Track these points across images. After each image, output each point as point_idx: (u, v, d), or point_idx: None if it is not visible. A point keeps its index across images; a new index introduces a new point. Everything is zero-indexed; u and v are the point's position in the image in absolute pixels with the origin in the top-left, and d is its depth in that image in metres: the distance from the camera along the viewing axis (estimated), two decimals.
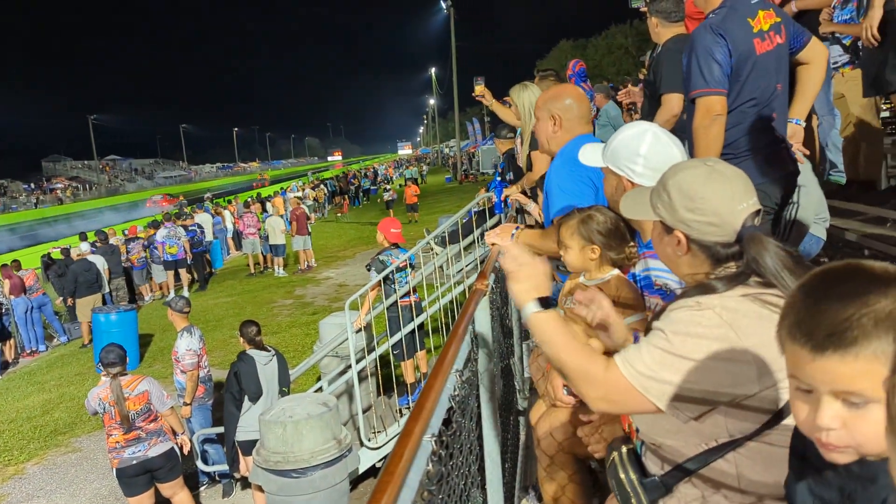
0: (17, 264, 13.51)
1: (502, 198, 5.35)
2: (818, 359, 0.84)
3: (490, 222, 6.77)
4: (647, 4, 4.09)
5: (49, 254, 15.99)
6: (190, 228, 16.35)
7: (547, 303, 1.59)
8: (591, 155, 2.06)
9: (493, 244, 2.93)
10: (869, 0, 3.80)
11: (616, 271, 2.30)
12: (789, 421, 1.37)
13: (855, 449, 0.88)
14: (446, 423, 1.62)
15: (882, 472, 0.88)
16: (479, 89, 5.30)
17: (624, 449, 1.67)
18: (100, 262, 13.58)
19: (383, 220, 7.42)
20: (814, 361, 0.84)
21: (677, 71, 3.16)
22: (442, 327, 7.20)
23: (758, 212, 1.49)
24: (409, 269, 7.03)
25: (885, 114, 5.16)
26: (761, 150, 2.74)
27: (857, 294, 0.82)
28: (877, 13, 3.67)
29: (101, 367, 5.52)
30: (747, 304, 1.37)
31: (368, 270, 7.16)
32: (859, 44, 4.16)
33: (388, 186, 29.28)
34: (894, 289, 0.81)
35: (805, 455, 1.06)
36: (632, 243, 2.25)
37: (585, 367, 1.47)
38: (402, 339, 6.77)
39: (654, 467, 1.57)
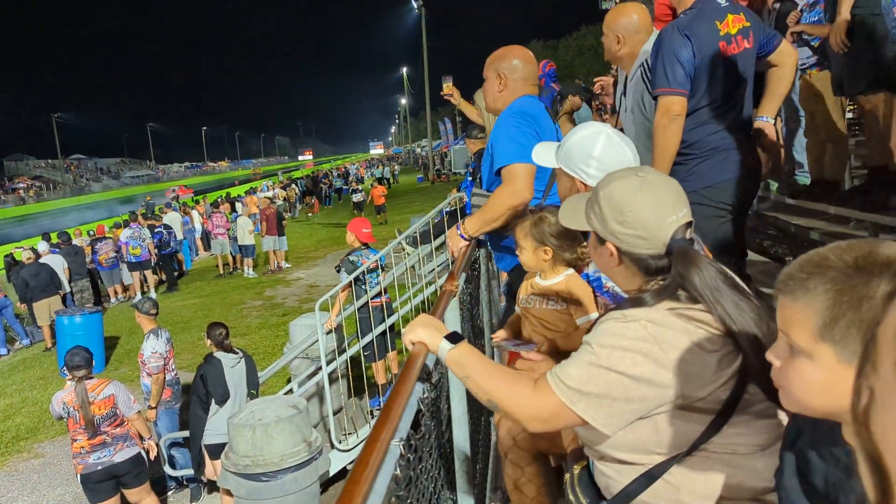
0: None
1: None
2: (778, 299, 0.96)
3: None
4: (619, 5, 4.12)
5: (12, 254, 15.63)
6: (157, 230, 16.07)
7: (456, 337, 1.59)
8: (544, 155, 2.04)
9: (453, 251, 2.93)
10: (836, 5, 3.86)
11: (570, 271, 2.33)
12: (723, 434, 1.39)
13: (793, 398, 0.97)
14: (415, 426, 1.60)
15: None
16: (448, 88, 5.31)
17: (576, 469, 1.66)
18: (58, 262, 13.28)
19: (353, 220, 7.37)
20: (778, 302, 0.97)
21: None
22: None
23: (689, 224, 1.47)
24: (380, 270, 6.99)
25: (850, 115, 5.25)
26: (723, 150, 2.78)
27: (821, 258, 0.91)
28: (843, 19, 3.73)
29: (66, 371, 5.40)
30: (672, 318, 1.37)
31: (338, 271, 7.10)
32: (826, 46, 4.22)
33: (359, 187, 28.56)
34: (850, 264, 0.87)
35: (796, 444, 1.10)
36: (584, 244, 2.25)
37: (513, 389, 1.46)
38: (373, 340, 6.72)
39: (602, 484, 1.56)
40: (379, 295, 6.88)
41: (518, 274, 2.80)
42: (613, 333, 1.38)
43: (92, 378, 5.42)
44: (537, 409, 1.42)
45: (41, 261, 12.98)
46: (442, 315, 1.90)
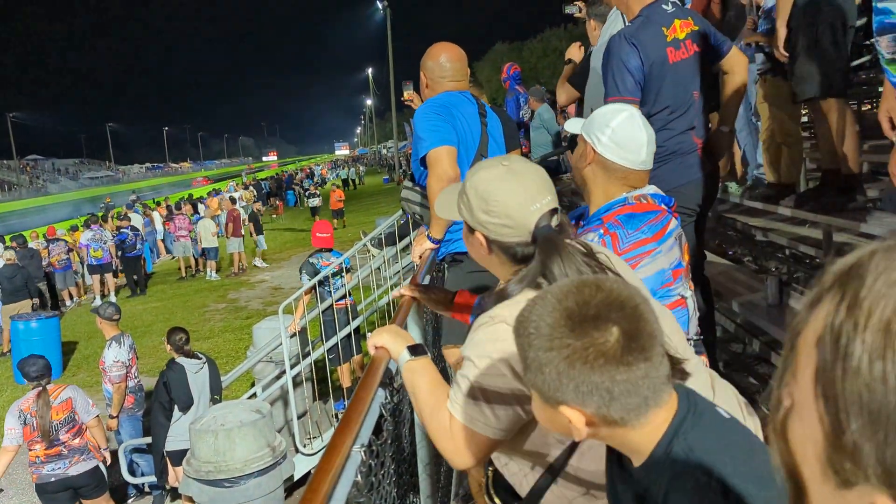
0: None
1: None
2: None
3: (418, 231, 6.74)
4: (587, 7, 4.17)
5: None
6: (122, 231, 15.76)
7: (418, 350, 1.61)
8: (574, 124, 2.09)
9: (417, 258, 2.94)
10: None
11: None
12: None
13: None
14: (377, 431, 1.61)
15: (652, 482, 0.98)
16: (408, 94, 5.30)
17: (490, 470, 1.66)
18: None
19: (315, 225, 7.36)
20: None
21: None
22: None
23: (554, 210, 1.48)
24: (344, 273, 6.95)
25: (805, 119, 5.38)
26: (681, 154, 2.83)
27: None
28: (780, 32, 3.86)
29: (27, 380, 5.26)
30: None
31: (301, 274, 7.05)
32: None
33: (316, 192, 27.09)
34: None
35: (613, 454, 1.13)
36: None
37: (437, 420, 1.47)
38: (337, 343, 6.69)
39: (514, 484, 1.57)
40: (343, 297, 6.85)
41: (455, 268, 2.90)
42: (485, 342, 1.40)
43: (49, 384, 5.30)
44: (455, 442, 1.43)
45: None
46: (403, 321, 1.90)
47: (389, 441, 1.63)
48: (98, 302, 15.08)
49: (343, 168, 51.70)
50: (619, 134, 1.90)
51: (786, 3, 3.78)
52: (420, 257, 2.87)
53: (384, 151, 75.22)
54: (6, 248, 13.50)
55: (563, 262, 1.39)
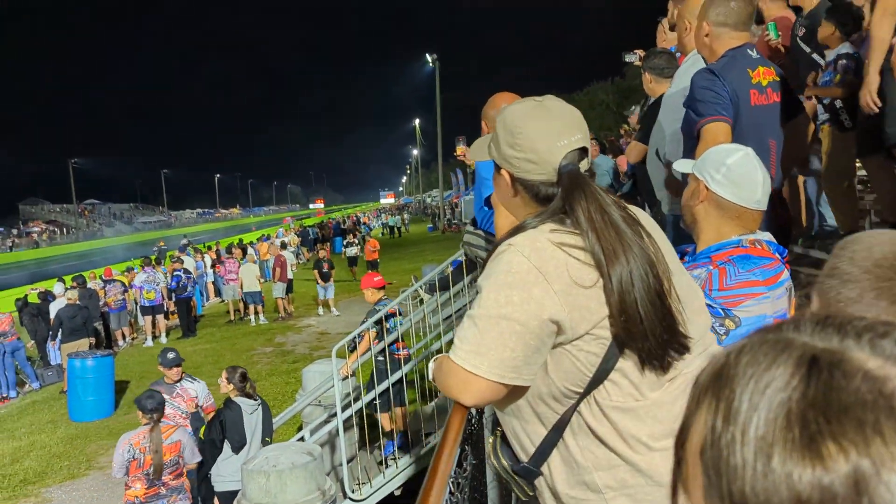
0: None
1: None
2: None
3: (480, 270, 6.72)
4: (642, 60, 4.21)
5: (26, 297, 15.68)
6: (175, 273, 16.16)
7: None
8: (684, 165, 2.08)
9: None
10: (853, 66, 3.94)
11: None
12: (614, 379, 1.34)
13: None
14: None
15: None
16: (461, 150, 5.36)
17: (499, 432, 1.59)
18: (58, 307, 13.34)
19: (363, 278, 7.42)
20: None
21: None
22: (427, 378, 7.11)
23: (584, 151, 1.43)
24: (399, 317, 6.96)
25: (862, 172, 5.28)
26: None
27: None
28: (872, 79, 3.76)
29: (143, 412, 5.31)
30: (552, 248, 1.33)
31: (367, 320, 7.03)
32: (836, 104, 4.29)
33: (354, 240, 25.13)
34: None
35: None
36: None
37: (441, 372, 1.43)
38: (388, 389, 6.67)
39: (517, 447, 1.50)
40: (401, 348, 6.86)
41: None
42: (499, 271, 1.34)
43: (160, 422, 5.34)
44: (457, 388, 1.37)
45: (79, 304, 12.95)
46: None
47: (469, 474, 1.62)
48: (150, 342, 15.39)
49: (390, 216, 52.25)
50: (735, 172, 1.87)
51: (880, 50, 3.71)
52: None
53: (429, 200, 75.94)
54: (68, 288, 13.91)
55: (587, 200, 1.34)
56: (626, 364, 1.34)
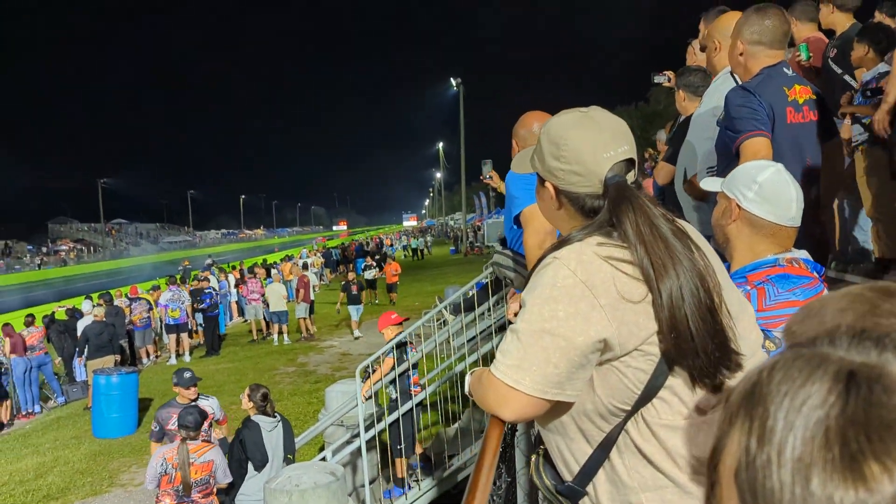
0: (31, 319, 13.54)
1: None
2: None
3: (507, 289, 6.71)
4: (676, 78, 4.19)
5: (53, 314, 15.91)
6: (207, 291, 16.31)
7: None
8: (711, 183, 2.05)
9: (511, 316, 2.92)
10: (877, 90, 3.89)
11: None
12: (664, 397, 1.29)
13: None
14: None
15: None
16: (488, 173, 5.35)
17: (541, 450, 1.54)
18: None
19: (380, 318, 7.40)
20: None
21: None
22: (459, 399, 7.06)
23: (631, 162, 1.40)
24: (415, 350, 6.92)
25: None
26: None
27: None
28: (885, 106, 3.72)
29: (179, 426, 5.33)
30: (599, 261, 1.29)
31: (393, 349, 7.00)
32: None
33: (372, 263, 24.31)
34: None
35: None
36: None
37: (481, 385, 1.41)
38: (401, 433, 6.65)
39: (560, 466, 1.45)
40: (415, 382, 6.84)
41: None
42: (543, 284, 1.30)
43: (196, 440, 5.36)
44: (496, 402, 1.34)
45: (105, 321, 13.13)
46: None
47: (503, 492, 1.59)
48: (173, 360, 15.49)
49: (413, 238, 52.40)
50: (767, 189, 1.83)
51: None
52: (515, 315, 2.85)
53: (451, 223, 76.11)
54: (95, 305, 14.09)
55: (635, 212, 1.31)
56: (676, 381, 1.29)
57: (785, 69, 2.70)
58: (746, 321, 1.40)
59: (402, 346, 6.73)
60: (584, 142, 1.38)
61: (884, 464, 0.40)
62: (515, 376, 1.30)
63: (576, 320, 1.26)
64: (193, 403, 5.78)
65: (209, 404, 6.56)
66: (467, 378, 1.55)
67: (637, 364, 1.29)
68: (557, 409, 1.36)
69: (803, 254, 1.90)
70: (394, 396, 6.76)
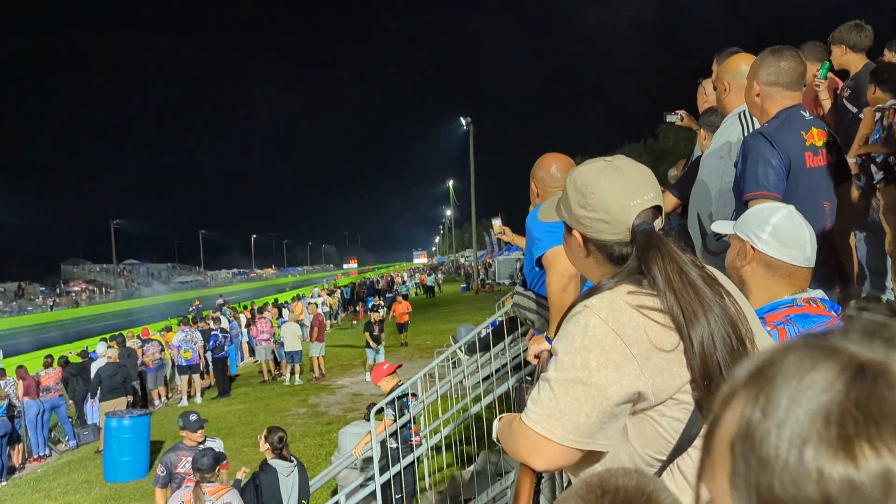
0: (49, 360, 13.59)
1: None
2: None
3: (522, 329, 6.64)
4: (689, 117, 4.21)
5: (66, 356, 15.92)
6: (213, 332, 16.29)
7: None
8: (721, 226, 2.05)
9: (533, 358, 2.90)
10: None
11: None
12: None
13: None
14: None
15: None
16: (499, 227, 5.36)
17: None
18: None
19: (374, 372, 7.35)
20: None
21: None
22: (474, 441, 6.97)
23: (657, 209, 1.40)
24: (414, 401, 6.85)
25: None
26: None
27: None
28: None
29: (193, 469, 5.29)
30: (630, 311, 1.28)
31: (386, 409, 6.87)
32: (890, 160, 4.22)
33: (380, 302, 22.73)
34: None
35: None
36: None
37: (510, 434, 1.41)
38: (413, 484, 6.55)
39: None
40: (414, 433, 6.78)
41: None
42: (575, 334, 1.30)
43: (213, 482, 5.31)
44: (528, 452, 1.34)
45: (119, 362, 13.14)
46: None
47: None
48: (185, 402, 15.43)
49: (426, 275, 52.31)
50: (781, 230, 1.85)
51: None
52: (537, 357, 2.82)
53: (462, 260, 76.16)
54: (108, 346, 14.11)
55: (664, 260, 1.30)
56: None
57: (802, 112, 2.70)
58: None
59: (401, 398, 6.66)
60: (611, 190, 1.39)
61: (875, 447, 0.44)
62: (547, 425, 1.29)
63: (608, 370, 1.26)
64: (204, 446, 5.72)
65: (216, 444, 6.50)
66: (495, 424, 1.54)
67: (672, 413, 1.28)
68: (590, 458, 1.34)
69: (819, 293, 1.90)
70: (394, 446, 6.66)
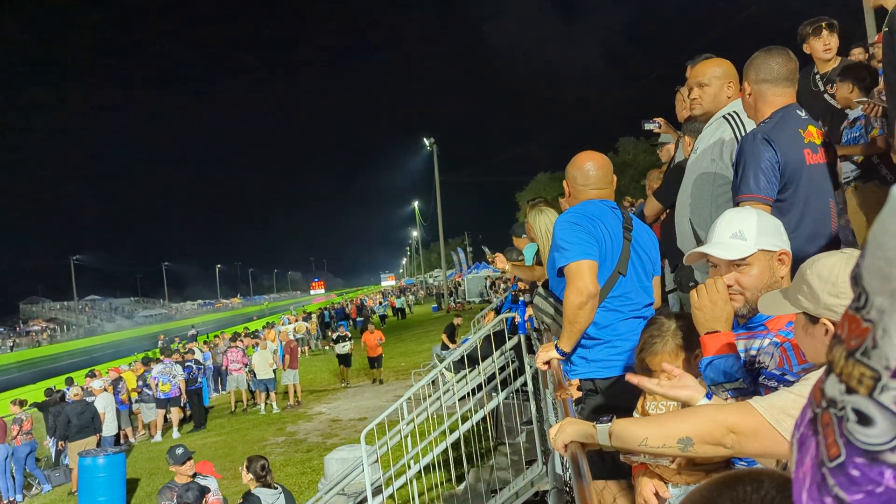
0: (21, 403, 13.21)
1: (525, 317, 5.29)
2: None
3: (510, 343, 6.60)
4: (683, 125, 4.24)
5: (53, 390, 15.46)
6: (187, 364, 15.94)
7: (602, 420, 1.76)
8: (736, 250, 2.00)
9: (545, 363, 2.88)
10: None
11: None
12: None
13: None
14: None
15: None
16: (491, 257, 5.40)
17: None
18: (102, 402, 13.16)
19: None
20: None
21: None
22: (462, 459, 6.88)
23: None
24: None
25: None
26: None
27: None
28: None
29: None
30: None
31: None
32: (874, 159, 4.29)
33: (347, 334, 19.61)
34: None
35: None
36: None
37: (703, 414, 1.58)
38: None
39: None
40: None
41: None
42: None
43: None
44: (736, 424, 1.48)
45: (87, 399, 12.79)
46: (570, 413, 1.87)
47: None
48: (159, 437, 15.03)
49: (396, 297, 51.93)
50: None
51: None
52: (546, 364, 2.81)
53: (430, 280, 76.04)
54: (73, 385, 13.74)
55: None
56: None
57: (798, 111, 2.73)
58: None
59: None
60: None
61: None
62: (778, 417, 1.44)
63: None
64: (195, 482, 5.57)
65: (208, 482, 6.35)
66: (612, 430, 1.70)
67: None
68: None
69: None
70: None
